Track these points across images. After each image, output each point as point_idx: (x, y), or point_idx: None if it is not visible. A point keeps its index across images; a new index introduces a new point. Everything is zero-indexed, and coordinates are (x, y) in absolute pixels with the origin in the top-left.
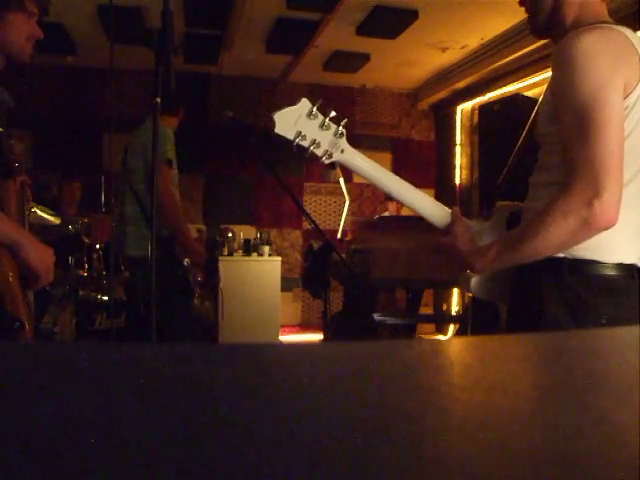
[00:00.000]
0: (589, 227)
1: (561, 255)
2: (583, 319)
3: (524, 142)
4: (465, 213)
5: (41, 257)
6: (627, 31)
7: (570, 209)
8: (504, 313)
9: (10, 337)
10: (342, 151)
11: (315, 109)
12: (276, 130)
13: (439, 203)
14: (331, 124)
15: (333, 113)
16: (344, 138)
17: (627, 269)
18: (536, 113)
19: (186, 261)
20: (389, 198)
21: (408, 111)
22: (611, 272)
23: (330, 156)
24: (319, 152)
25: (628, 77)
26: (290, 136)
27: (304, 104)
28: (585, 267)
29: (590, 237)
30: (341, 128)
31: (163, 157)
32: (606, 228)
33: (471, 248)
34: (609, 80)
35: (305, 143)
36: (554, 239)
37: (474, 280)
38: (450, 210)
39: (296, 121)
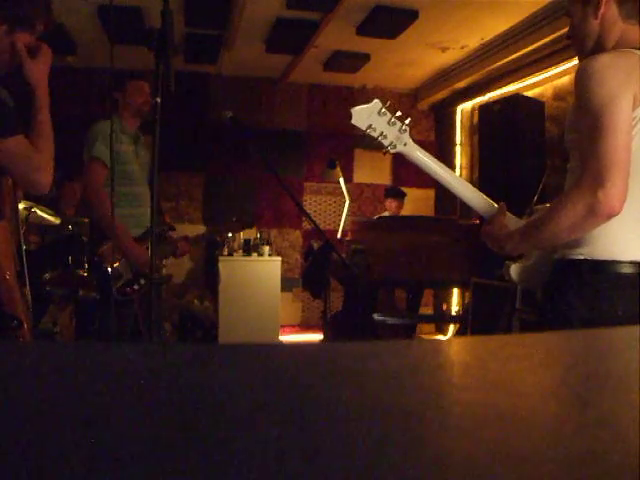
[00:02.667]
0: (594, 214)
1: (582, 257)
2: (602, 314)
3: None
4: (466, 213)
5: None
6: None
7: (578, 198)
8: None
9: (8, 335)
10: (405, 144)
11: (384, 108)
12: (352, 121)
13: (485, 197)
14: (397, 121)
15: (399, 113)
16: (407, 133)
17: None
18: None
19: (116, 265)
20: (389, 198)
21: (408, 111)
22: (627, 270)
23: (394, 147)
24: (385, 142)
25: (638, 91)
26: (363, 127)
27: (376, 103)
28: (603, 266)
29: (597, 224)
30: (405, 125)
31: (87, 155)
32: (610, 216)
33: (504, 232)
34: (620, 92)
35: (374, 134)
36: (564, 223)
37: (513, 269)
38: (496, 205)
39: (369, 116)
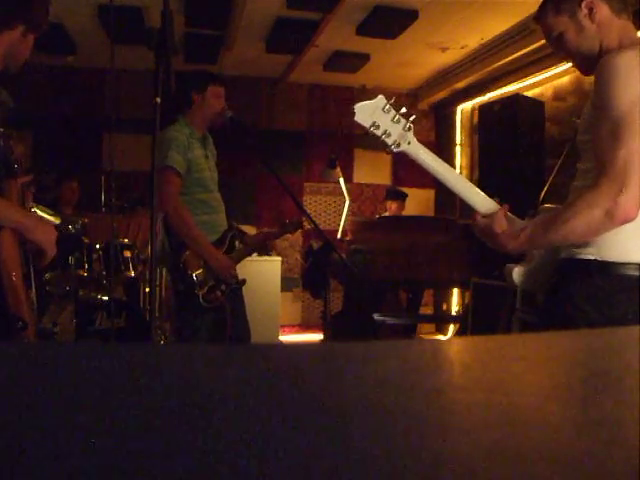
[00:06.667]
0: (611, 219)
1: (591, 257)
2: (609, 315)
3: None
4: (466, 213)
5: (45, 234)
6: None
7: (596, 202)
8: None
9: (13, 337)
10: (409, 143)
11: (389, 105)
12: (355, 118)
13: (489, 198)
14: (401, 119)
15: (404, 109)
16: (411, 132)
17: None
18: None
19: (199, 272)
20: (389, 199)
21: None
22: (635, 272)
23: (398, 146)
24: (389, 141)
25: None
26: (366, 124)
27: (380, 100)
28: (611, 268)
29: (611, 229)
30: (410, 123)
31: (160, 164)
32: (626, 221)
33: (505, 230)
34: None
35: (378, 132)
36: (579, 227)
37: (516, 272)
38: (498, 205)
39: (372, 113)
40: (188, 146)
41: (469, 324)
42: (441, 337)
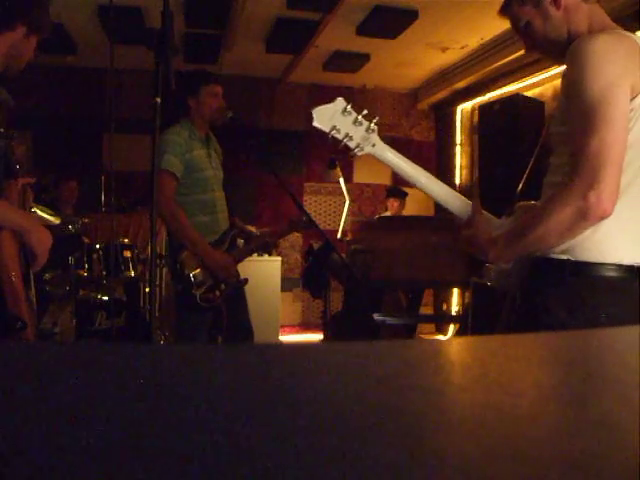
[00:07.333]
0: (584, 217)
1: (564, 257)
2: (583, 319)
3: (542, 145)
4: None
5: (40, 240)
6: (636, 37)
7: (567, 200)
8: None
9: (12, 337)
10: (374, 145)
11: (349, 107)
12: (314, 123)
13: (461, 196)
14: (363, 121)
15: (365, 111)
16: (375, 134)
17: (628, 270)
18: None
19: (197, 272)
20: (391, 197)
21: (408, 111)
22: (612, 273)
23: (362, 149)
24: (352, 144)
25: (635, 79)
26: (326, 129)
27: (339, 102)
28: (587, 268)
29: (586, 228)
30: (373, 125)
31: (157, 167)
32: (601, 218)
33: (487, 238)
34: (618, 81)
35: (339, 136)
36: (553, 228)
37: (493, 272)
38: (470, 203)
39: (332, 116)
40: (187, 147)
41: (469, 324)
42: (441, 337)
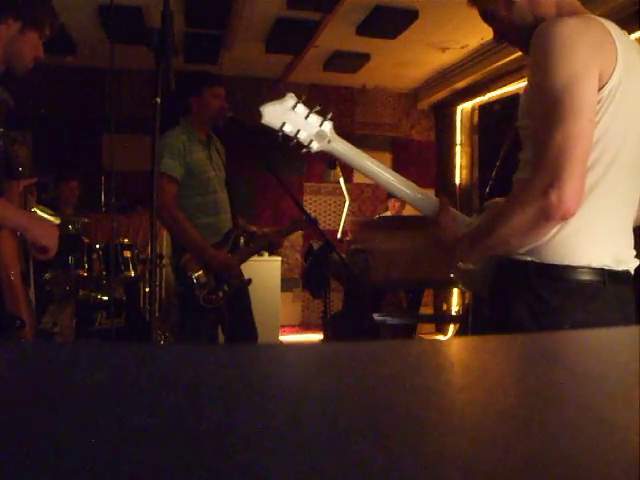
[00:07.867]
0: (546, 217)
1: (528, 258)
2: (547, 323)
3: (512, 139)
4: (466, 213)
5: (47, 231)
6: (606, 22)
7: (528, 199)
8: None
9: (11, 335)
10: (329, 141)
11: (299, 103)
12: (263, 121)
13: (427, 194)
14: (316, 116)
15: (318, 107)
16: (330, 129)
17: (596, 273)
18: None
19: (200, 273)
20: (391, 197)
21: (408, 111)
22: (579, 276)
23: (315, 145)
24: (304, 141)
25: (604, 67)
26: (276, 126)
27: (289, 98)
28: (552, 271)
29: (550, 228)
30: (327, 120)
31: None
32: (564, 218)
33: (454, 237)
34: (584, 69)
35: (289, 133)
36: (515, 229)
37: (462, 271)
38: (437, 200)
39: (282, 113)
40: (186, 150)
41: (469, 324)
42: (441, 337)
